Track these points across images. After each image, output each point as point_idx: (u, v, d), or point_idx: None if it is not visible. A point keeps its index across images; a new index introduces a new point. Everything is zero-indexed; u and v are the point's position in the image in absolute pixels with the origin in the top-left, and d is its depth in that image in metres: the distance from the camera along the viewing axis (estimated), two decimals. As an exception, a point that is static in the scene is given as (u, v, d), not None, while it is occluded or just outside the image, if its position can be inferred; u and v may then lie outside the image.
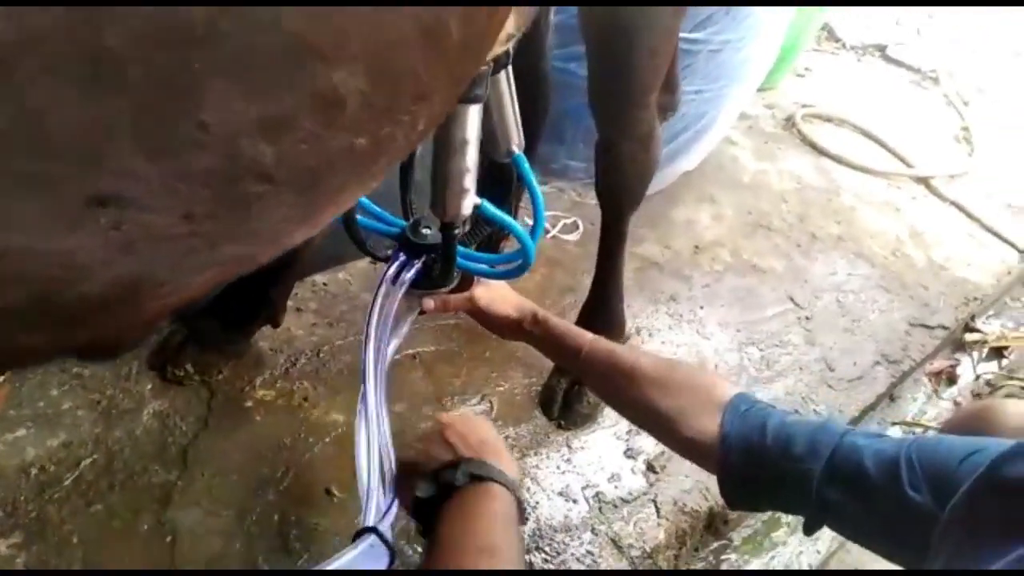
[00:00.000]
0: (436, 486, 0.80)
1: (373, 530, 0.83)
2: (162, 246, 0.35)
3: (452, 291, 1.12)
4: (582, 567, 1.37)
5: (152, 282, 0.38)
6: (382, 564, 0.83)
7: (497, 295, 1.14)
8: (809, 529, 0.84)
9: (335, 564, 0.78)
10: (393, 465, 0.92)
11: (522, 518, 0.80)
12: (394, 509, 0.88)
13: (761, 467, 0.82)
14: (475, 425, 0.89)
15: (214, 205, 0.35)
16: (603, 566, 1.38)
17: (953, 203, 2.53)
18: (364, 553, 0.81)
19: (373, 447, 0.92)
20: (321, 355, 1.57)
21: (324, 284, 1.72)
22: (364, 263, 1.73)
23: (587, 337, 1.04)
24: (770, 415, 0.85)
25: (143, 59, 0.28)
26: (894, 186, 2.56)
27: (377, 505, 0.88)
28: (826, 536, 1.58)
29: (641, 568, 1.40)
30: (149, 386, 1.42)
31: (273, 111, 0.34)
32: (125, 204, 0.32)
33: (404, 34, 0.37)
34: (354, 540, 0.83)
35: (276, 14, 0.30)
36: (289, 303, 1.57)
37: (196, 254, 0.38)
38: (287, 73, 0.33)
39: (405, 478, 0.87)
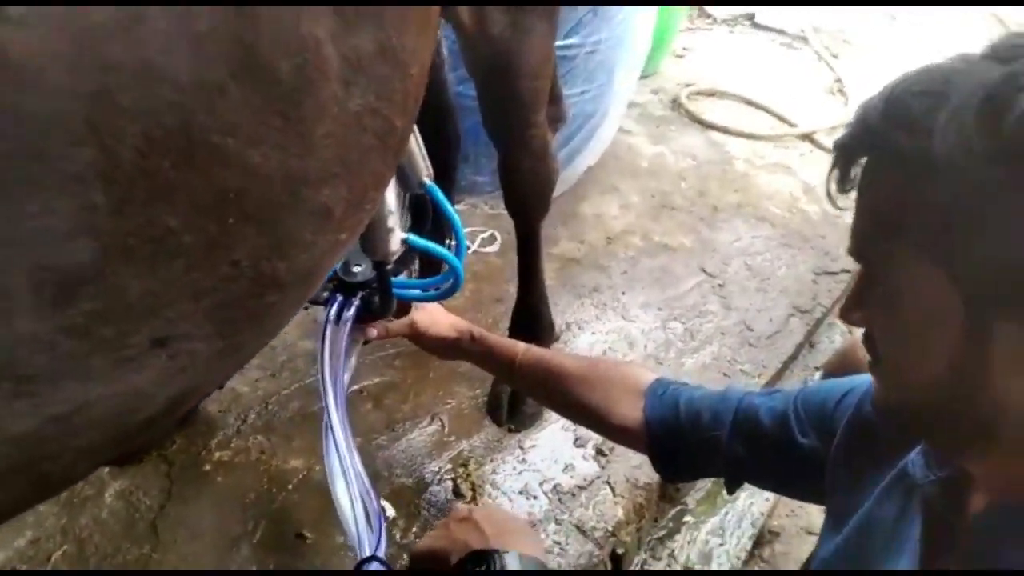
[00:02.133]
0: None
1: (375, 558, 0.98)
2: (204, 363, 0.48)
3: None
4: (552, 556, 1.53)
5: (192, 392, 0.51)
6: None
7: (434, 318, 1.25)
8: (730, 488, 0.99)
9: None
10: (374, 498, 1.05)
11: None
12: (384, 538, 1.02)
13: (679, 441, 0.96)
14: (496, 510, 0.95)
15: (242, 321, 0.49)
16: (571, 552, 1.54)
17: (838, 154, 2.83)
18: None
19: (351, 483, 1.06)
20: (269, 407, 1.68)
21: (259, 338, 1.83)
22: (299, 311, 1.85)
23: (519, 347, 1.15)
24: (680, 394, 0.99)
25: (195, 228, 0.41)
26: (781, 147, 2.84)
27: (369, 537, 1.02)
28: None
29: (606, 546, 1.57)
30: (106, 469, 1.51)
31: (282, 234, 0.48)
32: (178, 340, 0.45)
33: (367, 144, 0.51)
34: (357, 569, 0.96)
35: (282, 163, 0.44)
36: (228, 363, 1.67)
37: (227, 361, 0.51)
38: (291, 203, 0.47)
39: (427, 567, 0.86)
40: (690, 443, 0.95)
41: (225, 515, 1.49)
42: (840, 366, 1.19)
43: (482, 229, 2.24)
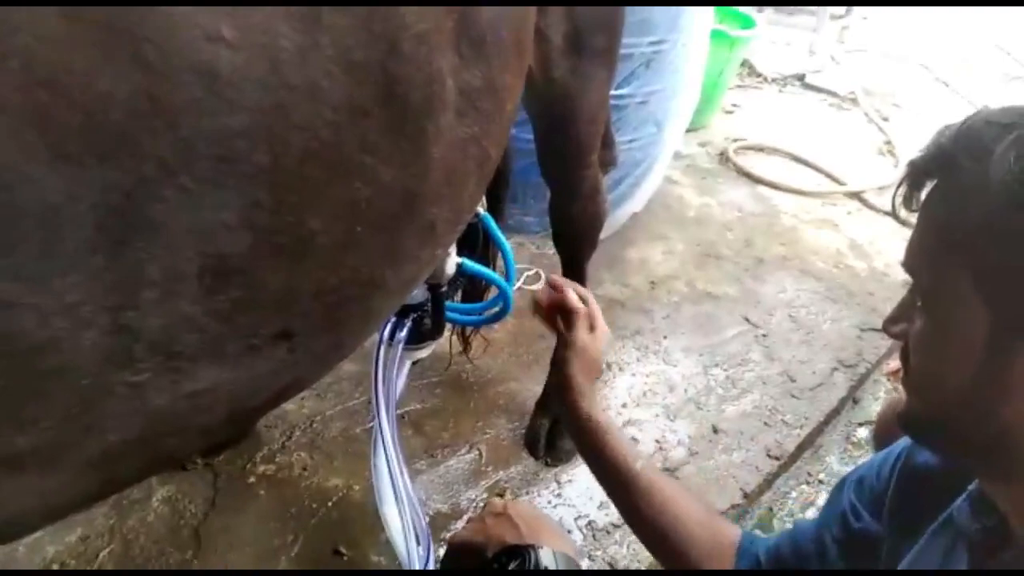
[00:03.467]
0: None
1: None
2: (314, 358, 0.55)
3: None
4: (585, 592, 1.55)
5: (297, 385, 0.58)
6: None
7: (593, 350, 1.01)
8: None
9: None
10: (421, 515, 1.10)
11: None
12: (431, 554, 1.07)
13: None
14: (529, 507, 0.92)
15: (350, 321, 0.56)
16: (604, 589, 1.57)
17: (886, 213, 2.85)
18: None
19: (402, 499, 1.11)
20: (314, 425, 1.75)
21: (307, 359, 1.90)
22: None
23: (639, 460, 0.97)
24: (760, 546, 0.97)
25: (329, 233, 0.48)
26: (829, 203, 2.88)
27: (416, 552, 1.07)
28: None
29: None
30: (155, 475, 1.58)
31: (395, 244, 0.55)
32: (300, 334, 0.52)
33: (468, 169, 0.59)
34: None
35: (404, 180, 0.52)
36: (278, 380, 1.75)
37: (330, 357, 0.58)
38: (406, 216, 0.54)
39: (461, 560, 0.87)
40: None
41: (266, 527, 1.54)
42: (887, 425, 1.20)
43: (528, 267, 2.31)
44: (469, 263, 1.28)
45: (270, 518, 1.56)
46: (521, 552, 0.79)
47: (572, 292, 1.01)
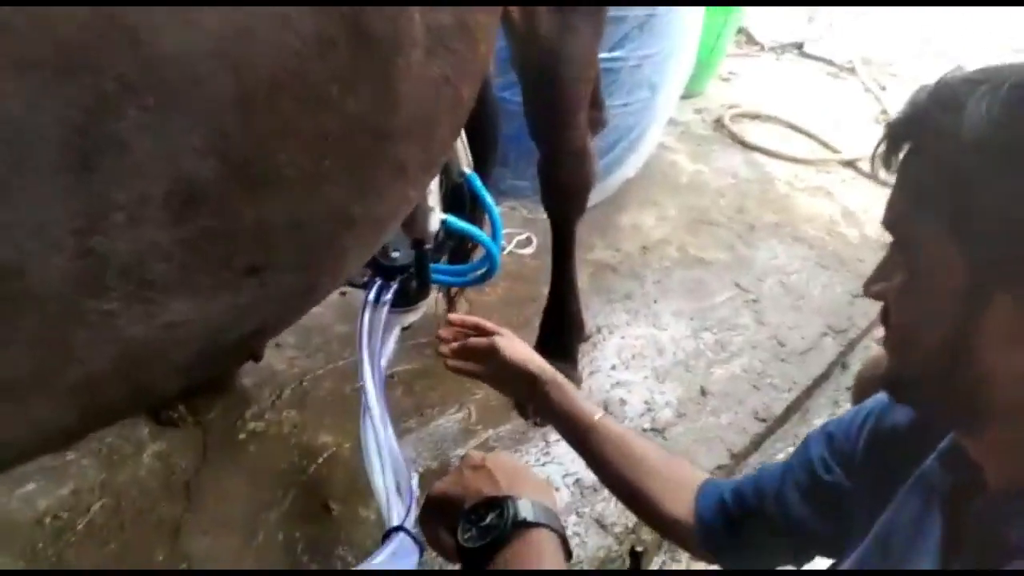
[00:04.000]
0: (482, 531, 0.78)
1: (401, 528, 1.04)
2: (286, 295, 0.55)
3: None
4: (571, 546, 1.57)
5: (271, 325, 0.58)
6: (414, 558, 1.03)
7: (516, 346, 1.13)
8: (797, 560, 0.99)
9: (376, 561, 0.97)
10: (406, 473, 1.11)
11: (568, 556, 0.79)
12: (413, 509, 1.08)
13: (736, 529, 0.97)
14: (508, 459, 0.91)
15: (322, 260, 0.56)
16: (590, 544, 1.59)
17: (879, 181, 2.85)
18: (397, 550, 1.02)
19: (385, 457, 1.13)
20: (304, 384, 1.76)
21: (297, 320, 1.92)
22: (335, 295, 1.94)
23: (598, 411, 1.06)
24: (725, 485, 1.01)
25: (298, 165, 0.49)
26: (823, 171, 2.87)
27: (397, 508, 1.08)
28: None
29: (626, 542, 1.61)
30: (146, 430, 1.60)
31: (365, 181, 0.55)
32: (270, 269, 0.52)
33: (440, 110, 0.59)
34: (384, 540, 1.03)
35: (373, 115, 0.51)
36: (268, 339, 1.76)
37: (303, 298, 0.58)
38: (376, 152, 0.54)
39: (439, 512, 0.86)
40: (746, 527, 0.97)
41: (256, 482, 1.56)
42: (866, 383, 1.21)
43: (519, 231, 2.32)
44: (454, 220, 1.29)
45: (260, 474, 1.58)
46: (499, 504, 0.78)
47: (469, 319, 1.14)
